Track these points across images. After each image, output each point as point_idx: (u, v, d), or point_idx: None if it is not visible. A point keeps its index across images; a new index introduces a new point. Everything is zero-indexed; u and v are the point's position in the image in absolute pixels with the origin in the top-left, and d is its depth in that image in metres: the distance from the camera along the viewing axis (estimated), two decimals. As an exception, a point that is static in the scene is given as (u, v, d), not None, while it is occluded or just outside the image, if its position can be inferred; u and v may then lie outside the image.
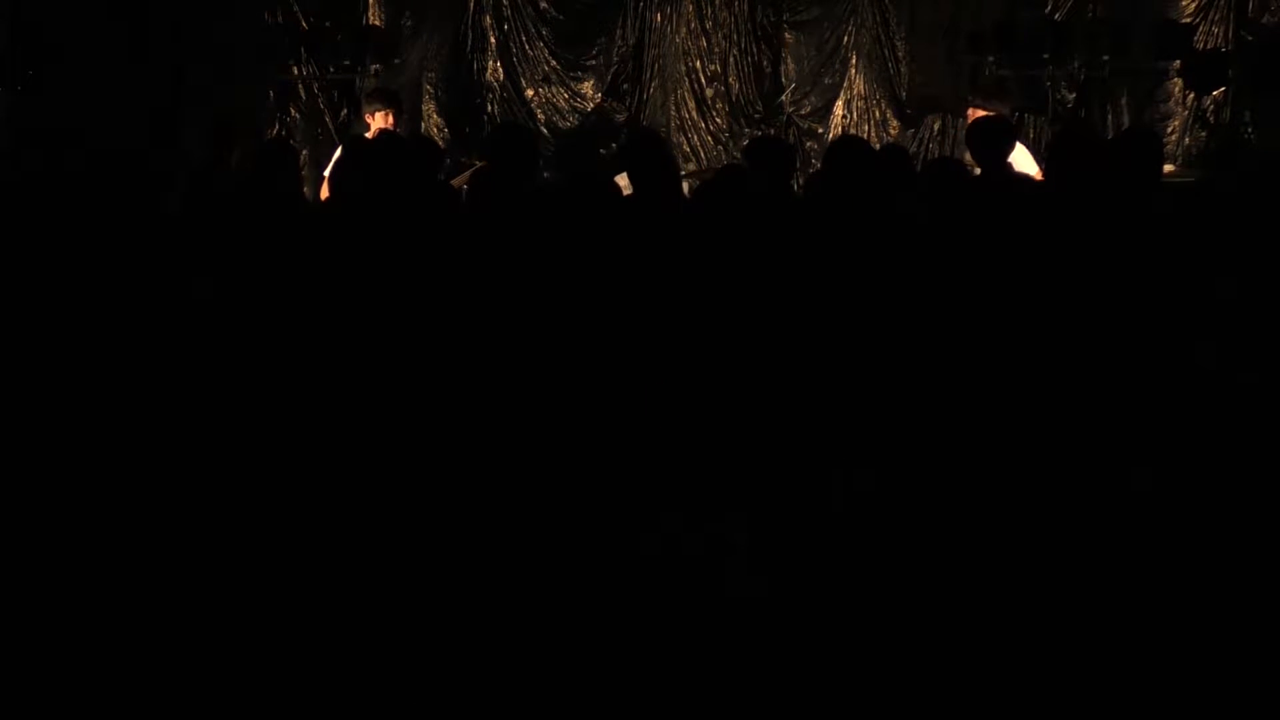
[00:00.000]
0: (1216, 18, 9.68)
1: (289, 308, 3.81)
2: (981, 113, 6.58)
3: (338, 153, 6.58)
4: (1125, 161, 4.19)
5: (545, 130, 10.46)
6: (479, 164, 7.44)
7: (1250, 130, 9.39)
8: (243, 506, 3.55)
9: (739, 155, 8.54)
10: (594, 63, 10.79)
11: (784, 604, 3.33)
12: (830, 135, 10.14)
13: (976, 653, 3.26)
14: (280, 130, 10.02)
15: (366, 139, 6.37)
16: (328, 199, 6.25)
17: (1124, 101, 9.91)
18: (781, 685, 3.17)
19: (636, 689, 3.16)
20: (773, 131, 9.90)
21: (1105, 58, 9.62)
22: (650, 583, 3.34)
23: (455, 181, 5.94)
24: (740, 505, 3.48)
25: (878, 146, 7.76)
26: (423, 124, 10.41)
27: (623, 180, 5.96)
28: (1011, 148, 5.54)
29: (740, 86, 10.64)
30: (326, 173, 6.71)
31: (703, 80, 10.68)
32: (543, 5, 10.70)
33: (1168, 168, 9.56)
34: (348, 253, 4.04)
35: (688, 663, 3.20)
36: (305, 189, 7.17)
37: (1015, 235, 4.16)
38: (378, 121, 6.75)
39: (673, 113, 10.67)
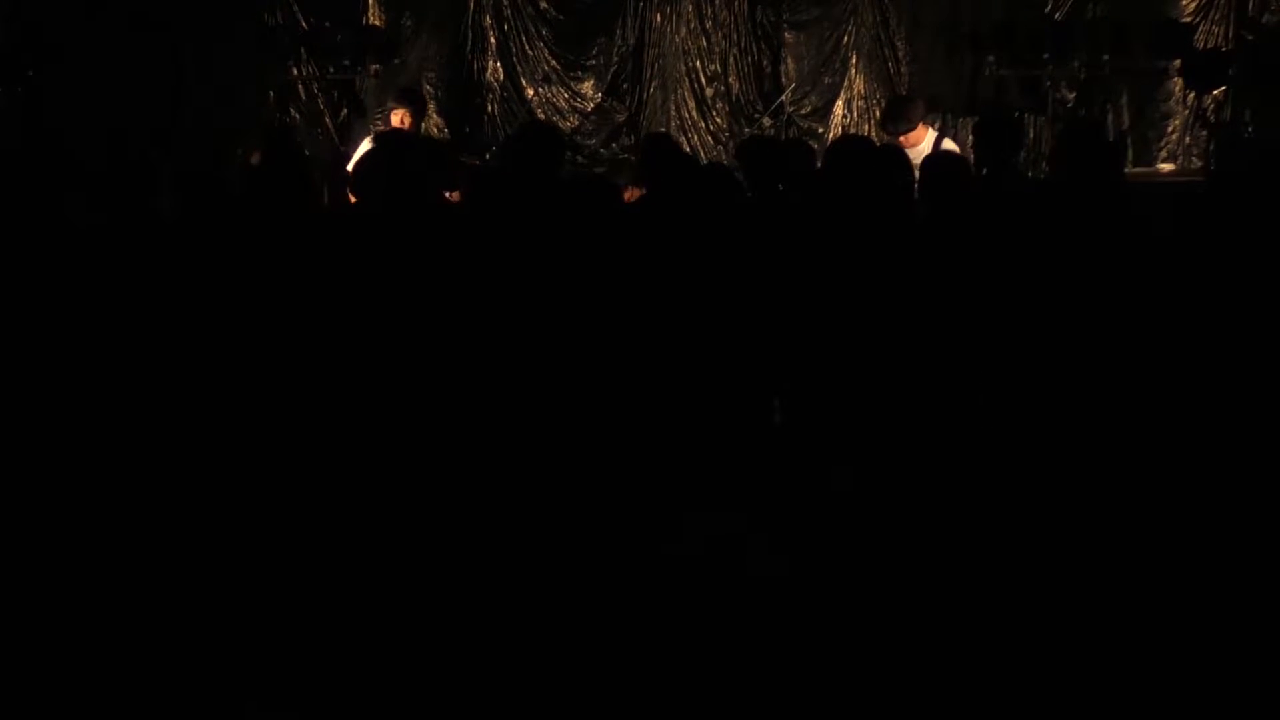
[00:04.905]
0: (1216, 17, 9.71)
1: (299, 308, 3.80)
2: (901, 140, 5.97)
3: (364, 145, 6.56)
4: (1074, 159, 4.16)
5: (545, 130, 10.50)
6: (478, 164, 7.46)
7: (1250, 129, 9.40)
8: (258, 514, 3.54)
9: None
10: (594, 63, 10.81)
11: (802, 584, 3.33)
12: (830, 135, 10.16)
13: (975, 648, 3.26)
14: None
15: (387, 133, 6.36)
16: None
17: (1124, 101, 9.93)
18: (797, 666, 3.16)
19: (650, 681, 3.16)
20: (771, 131, 9.91)
21: (1105, 57, 9.64)
22: (669, 572, 3.34)
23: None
24: (749, 497, 3.50)
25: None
26: (423, 124, 10.42)
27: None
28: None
29: (740, 86, 10.66)
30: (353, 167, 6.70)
31: (703, 80, 10.70)
32: (543, 5, 10.71)
33: (1168, 167, 9.61)
34: (349, 254, 4.04)
35: (707, 645, 3.20)
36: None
37: (1014, 236, 4.17)
38: (394, 121, 6.74)
39: (673, 113, 10.68)
